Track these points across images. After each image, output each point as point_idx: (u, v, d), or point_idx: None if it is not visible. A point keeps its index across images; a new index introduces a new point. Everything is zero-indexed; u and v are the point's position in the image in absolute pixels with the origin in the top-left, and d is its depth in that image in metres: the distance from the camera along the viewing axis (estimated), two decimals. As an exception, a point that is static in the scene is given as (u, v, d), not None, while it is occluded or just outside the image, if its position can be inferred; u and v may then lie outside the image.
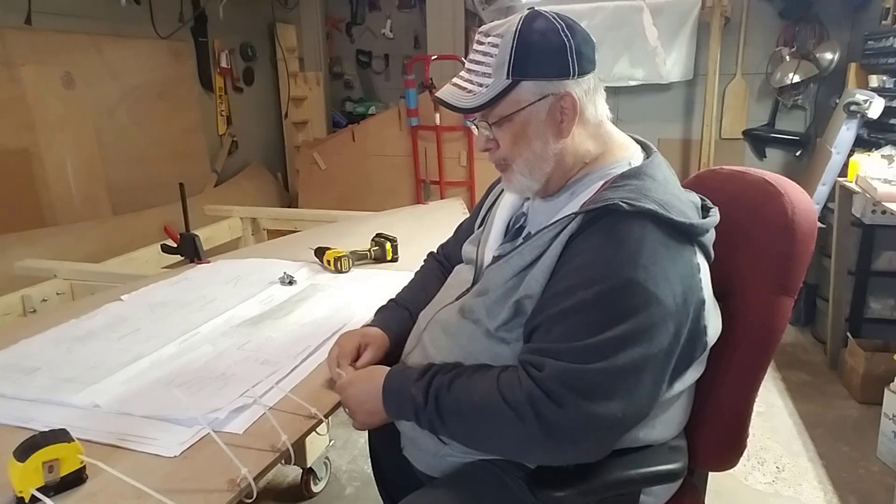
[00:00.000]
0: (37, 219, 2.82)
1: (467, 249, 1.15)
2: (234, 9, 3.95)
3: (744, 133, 3.86)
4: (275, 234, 2.77)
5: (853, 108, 2.78)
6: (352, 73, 4.77)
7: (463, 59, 3.56)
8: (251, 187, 4.10)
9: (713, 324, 0.95)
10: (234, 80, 4.15)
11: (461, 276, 1.13)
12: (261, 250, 2.04)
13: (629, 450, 0.95)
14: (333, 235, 2.04)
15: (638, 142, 1.04)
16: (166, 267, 2.07)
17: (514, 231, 1.08)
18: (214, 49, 3.93)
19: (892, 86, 2.81)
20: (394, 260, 1.78)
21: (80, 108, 3.01)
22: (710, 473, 1.19)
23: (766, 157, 3.87)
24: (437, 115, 3.49)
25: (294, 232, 2.55)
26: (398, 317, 1.19)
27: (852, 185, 2.48)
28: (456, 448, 0.99)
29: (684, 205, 0.93)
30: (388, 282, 1.60)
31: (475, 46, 0.97)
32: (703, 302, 0.90)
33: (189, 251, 1.83)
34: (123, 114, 3.29)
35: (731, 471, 1.18)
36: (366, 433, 1.51)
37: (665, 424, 0.99)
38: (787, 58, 3.66)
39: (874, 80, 2.94)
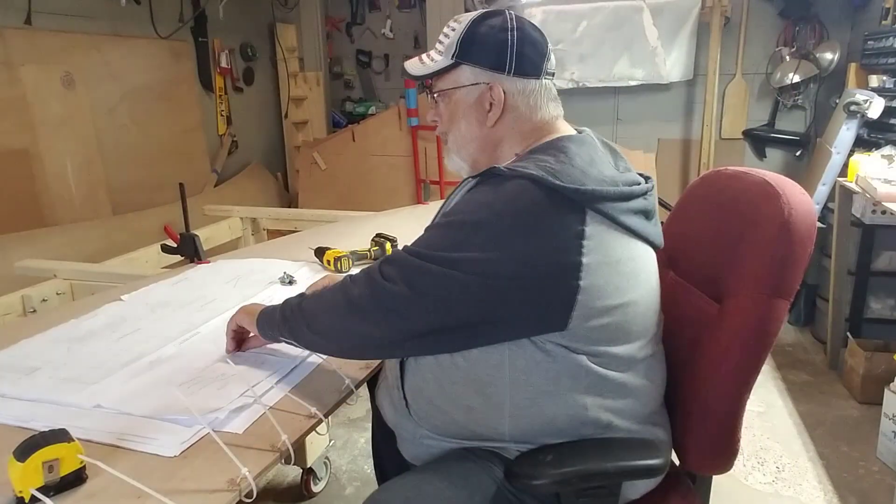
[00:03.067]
0: (37, 219, 2.82)
1: None
2: (234, 9, 3.95)
3: (744, 133, 3.86)
4: (275, 234, 2.77)
5: (853, 108, 2.78)
6: (352, 73, 4.77)
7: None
8: (251, 187, 4.10)
9: (619, 297, 0.93)
10: (234, 80, 4.15)
11: None
12: (261, 250, 2.04)
13: (610, 440, 0.97)
14: (333, 235, 2.04)
15: (578, 131, 1.08)
16: (166, 267, 2.07)
17: None
18: (214, 49, 3.93)
19: (892, 86, 2.82)
20: (394, 260, 1.77)
21: (80, 108, 3.01)
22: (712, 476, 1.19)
23: (766, 157, 3.88)
24: (437, 115, 3.48)
25: (294, 232, 2.55)
26: None
27: (852, 185, 2.48)
28: (430, 430, 1.04)
29: (586, 175, 0.93)
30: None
31: (444, 29, 1.08)
32: (578, 265, 0.89)
33: (189, 251, 1.82)
34: (123, 114, 3.29)
35: (731, 471, 1.19)
36: (364, 434, 1.49)
37: (625, 410, 0.98)
38: (787, 58, 3.66)
39: (874, 80, 2.94)
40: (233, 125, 4.16)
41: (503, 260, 0.88)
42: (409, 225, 2.14)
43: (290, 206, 4.23)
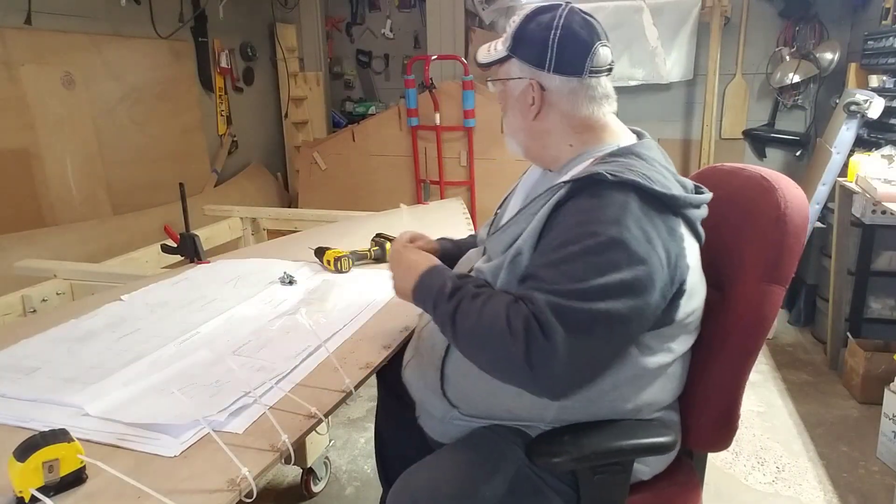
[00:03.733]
0: (37, 219, 2.82)
1: (481, 233, 1.27)
2: (234, 9, 3.95)
3: (744, 133, 3.86)
4: (275, 234, 2.77)
5: (853, 108, 2.78)
6: (352, 73, 4.77)
7: (463, 59, 3.57)
8: (251, 187, 4.10)
9: (698, 294, 1.03)
10: (234, 80, 4.15)
11: (469, 258, 1.24)
12: (261, 250, 2.04)
13: (623, 421, 1.03)
14: (333, 235, 2.04)
15: (634, 131, 1.13)
16: (166, 267, 2.07)
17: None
18: (214, 49, 3.93)
19: (892, 86, 2.81)
20: (394, 260, 1.77)
21: (80, 108, 3.01)
22: (711, 474, 1.21)
23: (766, 157, 3.88)
24: (437, 115, 3.49)
25: (294, 232, 2.55)
26: (451, 244, 1.38)
27: (852, 185, 2.48)
28: (462, 412, 1.08)
29: (669, 181, 1.00)
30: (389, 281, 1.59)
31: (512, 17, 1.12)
32: (687, 267, 0.97)
33: (189, 251, 1.83)
34: (123, 114, 3.29)
35: (731, 471, 1.21)
36: (364, 434, 1.52)
37: (657, 392, 1.05)
38: (787, 58, 3.66)
39: (874, 80, 2.94)
40: (233, 125, 4.16)
41: (649, 271, 0.92)
42: (408, 225, 2.14)
43: (290, 206, 4.23)
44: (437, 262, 1.10)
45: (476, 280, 1.04)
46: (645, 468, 1.09)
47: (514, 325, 0.90)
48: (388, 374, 1.38)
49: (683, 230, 0.98)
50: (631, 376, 1.00)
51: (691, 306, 1.02)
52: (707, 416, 1.12)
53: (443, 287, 1.02)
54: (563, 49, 1.04)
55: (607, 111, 1.10)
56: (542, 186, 1.12)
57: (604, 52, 1.07)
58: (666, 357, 1.03)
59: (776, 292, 1.06)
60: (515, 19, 1.09)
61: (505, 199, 1.28)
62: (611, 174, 0.94)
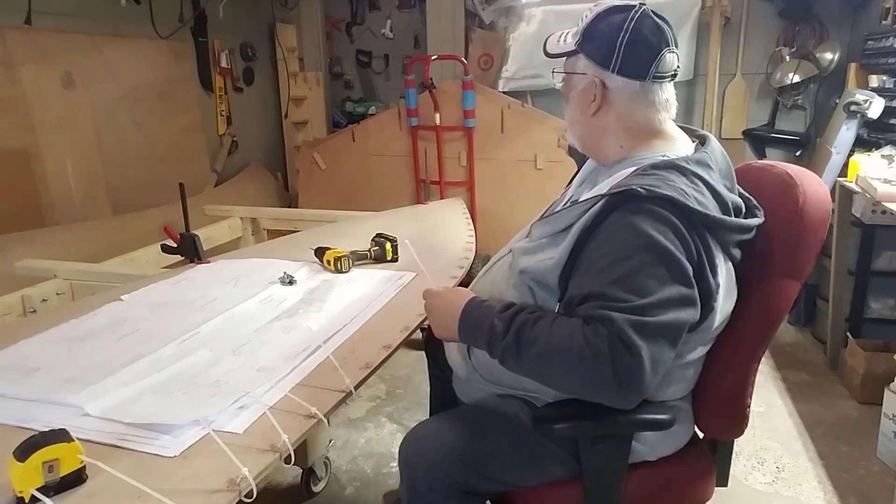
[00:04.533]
0: (37, 219, 2.81)
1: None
2: (234, 9, 3.94)
3: (744, 133, 3.86)
4: (275, 234, 2.77)
5: (853, 108, 2.78)
6: (352, 73, 4.77)
7: (463, 59, 3.56)
8: (251, 187, 4.09)
9: (724, 310, 1.07)
10: (234, 80, 4.14)
11: (522, 232, 1.29)
12: (261, 250, 2.04)
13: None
14: (333, 235, 2.04)
15: (699, 136, 1.16)
16: (166, 267, 2.07)
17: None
18: (214, 49, 3.93)
19: (892, 86, 2.81)
20: (394, 260, 1.78)
21: (80, 108, 3.01)
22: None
23: (766, 157, 3.87)
24: (437, 115, 3.49)
25: (294, 232, 2.55)
26: None
27: (852, 185, 2.48)
28: (483, 375, 1.17)
29: (706, 198, 1.02)
30: (388, 281, 1.60)
31: (586, 10, 1.14)
32: (717, 287, 1.01)
33: (189, 251, 1.83)
34: (123, 114, 3.29)
35: (731, 471, 1.24)
36: (364, 434, 1.75)
37: (677, 387, 1.12)
38: (787, 58, 3.66)
39: (874, 80, 2.94)
40: (233, 125, 4.16)
41: (692, 281, 0.97)
42: (408, 225, 2.14)
43: (290, 206, 4.23)
44: (470, 294, 1.12)
45: (522, 306, 1.06)
46: (647, 449, 1.13)
47: (597, 348, 0.92)
48: (431, 346, 1.54)
49: (716, 250, 1.02)
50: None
51: (715, 321, 1.06)
52: (718, 403, 1.16)
53: (492, 323, 1.03)
54: (630, 52, 1.06)
55: (665, 118, 1.12)
56: (588, 187, 1.19)
57: (670, 59, 1.09)
58: (680, 361, 1.07)
59: (791, 286, 1.09)
60: (588, 15, 1.11)
61: (570, 182, 1.35)
62: (645, 189, 0.98)
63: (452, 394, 1.31)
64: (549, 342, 0.97)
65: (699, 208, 0.98)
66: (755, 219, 1.09)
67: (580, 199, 1.12)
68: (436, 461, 1.08)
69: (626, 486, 1.11)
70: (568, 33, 1.14)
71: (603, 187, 1.09)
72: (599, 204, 1.02)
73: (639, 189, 0.98)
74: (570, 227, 1.06)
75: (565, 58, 1.14)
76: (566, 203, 1.22)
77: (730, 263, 1.06)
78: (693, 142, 1.15)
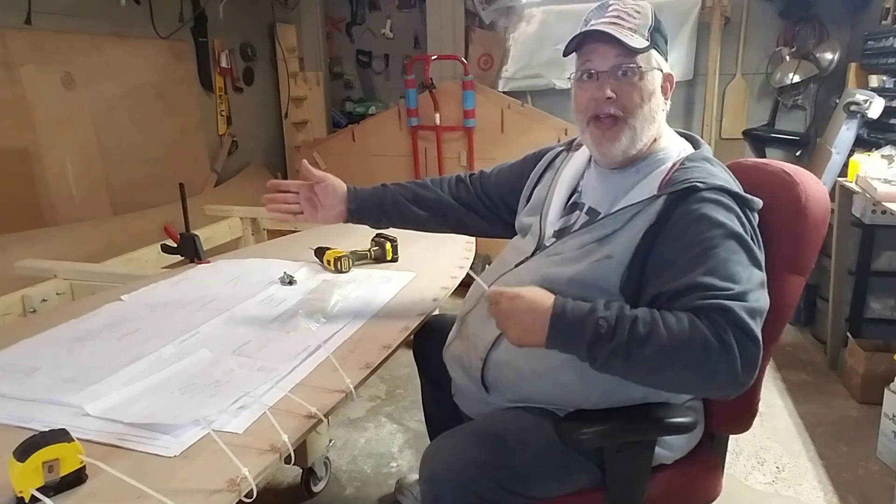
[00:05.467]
0: (37, 219, 2.82)
1: (525, 222, 1.27)
2: (234, 9, 3.94)
3: (744, 133, 3.86)
4: (275, 234, 2.77)
5: (853, 108, 2.78)
6: (352, 73, 4.77)
7: (463, 59, 3.56)
8: (251, 187, 4.09)
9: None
10: (234, 80, 4.14)
11: (519, 247, 1.25)
12: (261, 250, 2.04)
13: (654, 404, 1.09)
14: (333, 235, 2.04)
15: (682, 134, 1.20)
16: (166, 267, 2.07)
17: (569, 206, 1.21)
18: (214, 49, 3.93)
19: (892, 86, 2.81)
20: (394, 260, 1.78)
21: (80, 108, 3.01)
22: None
23: (766, 157, 3.87)
24: (437, 115, 3.49)
25: (294, 232, 2.55)
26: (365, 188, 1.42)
27: (852, 185, 2.48)
28: (500, 397, 1.14)
29: (736, 185, 1.08)
30: (388, 281, 1.59)
31: (615, 3, 1.10)
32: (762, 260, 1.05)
33: (189, 251, 1.83)
34: (123, 114, 3.29)
35: (731, 471, 1.24)
36: (364, 434, 1.72)
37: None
38: (787, 58, 3.65)
39: (874, 80, 2.94)
40: (233, 125, 4.16)
41: (762, 262, 1.02)
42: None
43: (290, 206, 4.22)
44: (552, 296, 1.01)
45: (617, 305, 0.99)
46: (668, 453, 1.13)
47: (723, 339, 0.91)
48: (423, 359, 1.50)
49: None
50: None
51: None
52: (731, 400, 1.14)
53: (596, 323, 0.96)
54: (666, 41, 1.12)
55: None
56: (603, 189, 1.15)
57: None
58: None
59: (796, 282, 1.12)
60: (640, 8, 1.09)
61: (528, 188, 1.32)
62: (701, 182, 1.02)
63: (451, 408, 1.27)
64: (667, 338, 0.92)
65: (744, 194, 1.04)
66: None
67: (622, 206, 1.08)
68: (463, 479, 1.02)
69: (647, 490, 1.11)
70: (619, 27, 1.07)
71: (646, 186, 1.09)
72: (660, 201, 1.03)
73: (697, 183, 1.01)
74: (621, 229, 1.06)
75: (639, 54, 1.07)
76: (571, 211, 1.20)
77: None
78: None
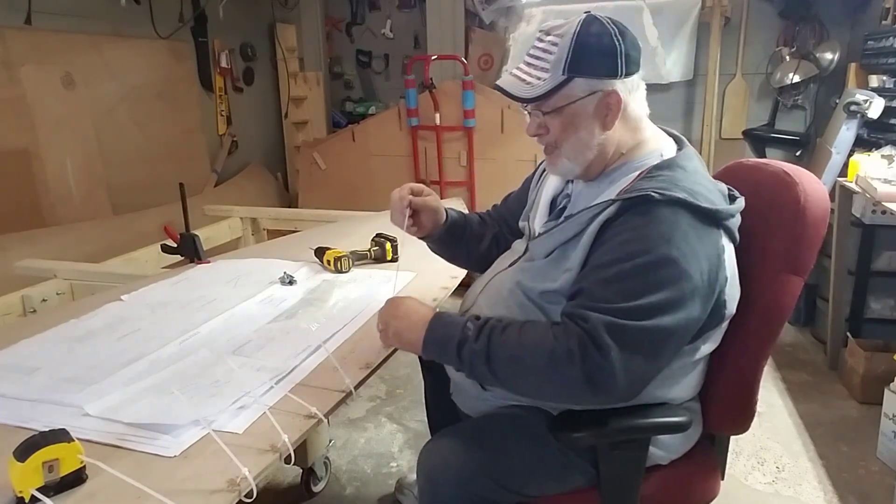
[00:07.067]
0: (37, 219, 2.82)
1: (521, 225, 1.30)
2: (234, 9, 3.94)
3: (744, 133, 3.86)
4: (275, 234, 2.77)
5: (853, 108, 2.78)
6: (352, 73, 4.77)
7: (463, 59, 3.57)
8: (251, 187, 4.09)
9: (732, 299, 1.07)
10: (234, 80, 4.14)
11: (514, 248, 1.27)
12: (261, 250, 2.04)
13: (648, 405, 1.08)
14: (333, 235, 2.04)
15: (671, 135, 1.17)
16: (166, 267, 2.07)
17: (557, 210, 1.21)
18: (214, 49, 3.93)
19: (892, 86, 2.81)
20: (394, 260, 1.78)
21: (80, 108, 3.01)
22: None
23: (766, 157, 3.87)
24: (437, 115, 3.49)
25: (294, 232, 2.55)
26: (458, 215, 1.40)
27: (852, 185, 2.48)
28: (496, 393, 1.13)
29: (711, 193, 1.04)
30: (388, 281, 1.60)
31: (536, 43, 1.08)
32: (725, 279, 1.02)
33: (189, 251, 1.83)
34: (123, 114, 3.29)
35: (731, 471, 1.25)
36: (365, 432, 1.68)
37: (682, 387, 1.11)
38: (787, 58, 3.66)
39: (874, 80, 2.94)
40: (233, 125, 4.16)
41: (694, 286, 0.96)
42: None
43: (290, 206, 4.23)
44: (429, 308, 1.11)
45: (496, 318, 1.05)
46: (663, 453, 1.13)
47: (567, 346, 0.93)
48: (432, 363, 1.47)
49: (724, 241, 1.03)
50: (660, 377, 1.04)
51: (728, 314, 1.07)
52: (726, 399, 1.18)
53: (463, 330, 1.02)
54: (629, 49, 1.05)
55: (646, 106, 1.14)
56: (583, 198, 1.13)
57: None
58: (691, 358, 1.08)
59: (795, 282, 1.12)
60: (557, 40, 1.03)
61: (530, 194, 1.33)
62: (659, 192, 0.97)
63: (452, 406, 1.29)
64: (519, 344, 0.97)
65: (708, 205, 0.99)
66: (740, 200, 1.11)
67: (580, 209, 1.09)
68: (462, 476, 1.06)
69: (642, 490, 1.12)
70: (528, 70, 1.07)
71: (610, 193, 1.08)
72: (611, 208, 1.01)
73: (653, 193, 0.97)
74: (580, 234, 1.04)
75: (553, 94, 1.05)
76: (558, 216, 1.19)
77: (731, 245, 1.06)
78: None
